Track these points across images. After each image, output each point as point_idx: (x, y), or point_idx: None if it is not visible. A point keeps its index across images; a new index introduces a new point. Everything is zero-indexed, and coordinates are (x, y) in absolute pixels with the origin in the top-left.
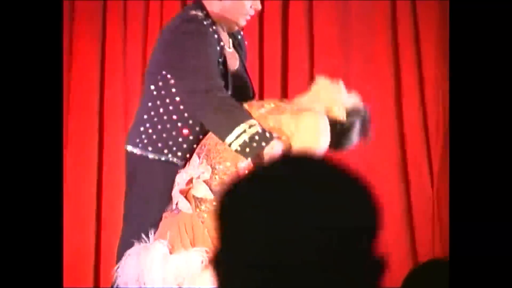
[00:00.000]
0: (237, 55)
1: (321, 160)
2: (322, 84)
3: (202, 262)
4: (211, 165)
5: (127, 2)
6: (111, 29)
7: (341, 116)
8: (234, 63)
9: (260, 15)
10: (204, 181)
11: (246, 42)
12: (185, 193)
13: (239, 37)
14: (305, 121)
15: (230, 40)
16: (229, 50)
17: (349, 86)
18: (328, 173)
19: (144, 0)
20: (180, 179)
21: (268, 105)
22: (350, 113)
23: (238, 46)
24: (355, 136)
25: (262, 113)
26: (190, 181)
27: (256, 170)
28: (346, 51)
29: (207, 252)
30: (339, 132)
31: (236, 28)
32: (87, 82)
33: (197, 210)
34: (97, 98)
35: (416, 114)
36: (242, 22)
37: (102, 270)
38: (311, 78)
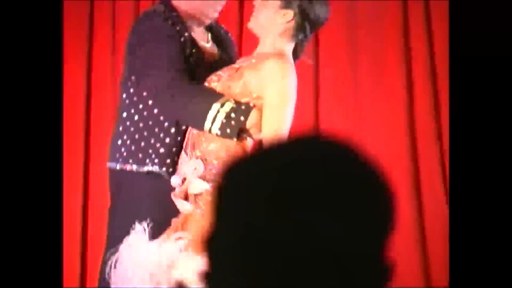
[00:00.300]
0: (216, 49)
1: (325, 142)
2: (251, 28)
3: (180, 251)
4: (201, 158)
5: (116, 2)
6: (99, 33)
7: (292, 22)
8: (210, 57)
9: None
10: (199, 177)
11: (229, 34)
12: (183, 195)
13: (222, 31)
14: (266, 70)
15: (208, 34)
16: (206, 44)
17: (357, 91)
18: (335, 157)
19: (133, 0)
20: (175, 182)
21: (224, 73)
22: (288, 4)
23: (221, 40)
24: (319, 8)
25: (224, 81)
26: (184, 180)
27: (255, 152)
28: (353, 54)
29: (183, 238)
30: (307, 24)
31: (208, 21)
32: (74, 90)
33: (195, 204)
34: (83, 109)
35: (429, 120)
36: (213, 14)
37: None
38: (316, 83)
